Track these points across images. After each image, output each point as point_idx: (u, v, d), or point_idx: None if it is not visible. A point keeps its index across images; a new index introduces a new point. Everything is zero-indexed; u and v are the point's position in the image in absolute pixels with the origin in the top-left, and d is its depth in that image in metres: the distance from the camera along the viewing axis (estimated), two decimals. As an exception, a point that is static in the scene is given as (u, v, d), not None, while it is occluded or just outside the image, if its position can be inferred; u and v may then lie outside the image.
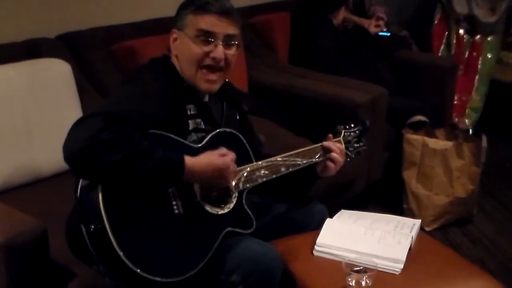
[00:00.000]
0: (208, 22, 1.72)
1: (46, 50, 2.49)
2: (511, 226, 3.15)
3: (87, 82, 2.60)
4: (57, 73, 2.37)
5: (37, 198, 2.12)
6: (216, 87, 1.80)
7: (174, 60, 1.80)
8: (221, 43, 1.74)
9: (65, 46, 2.64)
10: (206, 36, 1.73)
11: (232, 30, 1.76)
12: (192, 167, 1.57)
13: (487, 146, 3.07)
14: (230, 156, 1.66)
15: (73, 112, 2.34)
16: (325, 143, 1.95)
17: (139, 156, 1.47)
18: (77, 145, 1.43)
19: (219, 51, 1.74)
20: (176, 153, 1.57)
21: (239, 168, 1.76)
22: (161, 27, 2.84)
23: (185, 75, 1.78)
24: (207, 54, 1.73)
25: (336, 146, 1.95)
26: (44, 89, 2.30)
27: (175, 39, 1.77)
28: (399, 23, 4.22)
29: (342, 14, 3.57)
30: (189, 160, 1.57)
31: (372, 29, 3.64)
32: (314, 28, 3.40)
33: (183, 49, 1.76)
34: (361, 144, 2.09)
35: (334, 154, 1.93)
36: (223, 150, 1.67)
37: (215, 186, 1.68)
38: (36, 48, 2.49)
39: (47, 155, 2.23)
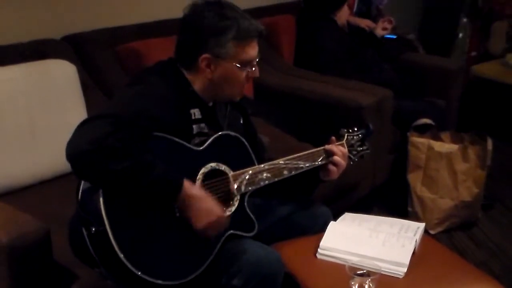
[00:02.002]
0: (253, 49, 1.75)
1: (52, 51, 2.50)
2: (516, 229, 3.14)
3: (92, 83, 2.61)
4: (62, 74, 2.38)
5: (41, 200, 2.13)
6: None
7: (183, 69, 1.78)
8: (255, 62, 1.79)
9: (71, 47, 2.65)
10: (250, 63, 1.76)
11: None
12: (189, 194, 1.56)
13: (493, 150, 3.05)
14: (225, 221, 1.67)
15: (78, 113, 2.35)
16: (328, 146, 1.95)
17: (139, 169, 1.48)
18: (82, 146, 1.44)
19: (257, 71, 1.80)
20: (178, 173, 1.57)
21: (241, 171, 1.76)
22: (166, 28, 2.85)
23: (216, 92, 1.79)
24: (247, 75, 1.78)
25: (338, 149, 1.94)
26: (49, 90, 2.31)
27: (209, 65, 1.73)
28: (406, 27, 4.23)
29: (345, 14, 3.56)
30: (188, 186, 1.57)
31: (379, 32, 3.63)
32: (319, 30, 3.40)
33: (226, 75, 1.75)
34: (365, 147, 2.08)
35: (336, 157, 1.93)
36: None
37: (194, 221, 1.61)
38: (41, 49, 2.49)
39: (52, 156, 2.23)
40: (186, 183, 1.56)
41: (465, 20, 4.69)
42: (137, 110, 1.57)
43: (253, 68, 1.78)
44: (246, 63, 1.75)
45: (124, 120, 1.51)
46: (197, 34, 1.73)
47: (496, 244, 2.98)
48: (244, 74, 1.76)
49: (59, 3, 2.74)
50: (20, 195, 2.17)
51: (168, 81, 1.73)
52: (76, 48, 2.67)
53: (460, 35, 4.72)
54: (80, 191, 1.54)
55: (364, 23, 3.71)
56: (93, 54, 2.71)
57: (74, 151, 1.45)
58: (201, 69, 1.74)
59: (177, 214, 1.59)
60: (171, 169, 1.55)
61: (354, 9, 3.95)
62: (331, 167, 1.94)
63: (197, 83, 1.77)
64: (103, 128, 1.46)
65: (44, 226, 1.63)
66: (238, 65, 1.73)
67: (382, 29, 3.64)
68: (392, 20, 3.65)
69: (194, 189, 1.60)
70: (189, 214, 1.58)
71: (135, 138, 1.50)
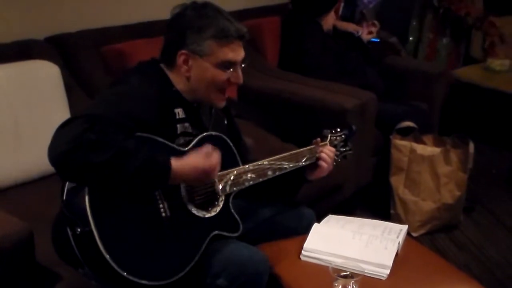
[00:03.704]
0: (232, 50, 1.73)
1: (35, 52, 2.49)
2: (497, 232, 3.17)
3: (76, 84, 2.60)
4: (45, 75, 2.37)
5: (24, 200, 2.11)
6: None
7: (166, 68, 1.78)
8: (239, 66, 1.77)
9: (54, 48, 2.64)
10: (230, 65, 1.75)
11: (243, 51, 1.78)
12: (177, 168, 1.55)
13: (474, 153, 3.08)
14: (216, 156, 1.64)
15: (62, 114, 2.33)
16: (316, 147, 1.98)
17: (124, 156, 1.46)
18: (62, 147, 1.42)
19: (240, 76, 1.78)
20: (163, 154, 1.56)
21: (226, 171, 1.76)
22: (151, 30, 2.85)
23: (197, 94, 1.78)
24: (228, 79, 1.76)
25: (326, 148, 1.99)
26: (33, 91, 2.29)
27: (186, 61, 1.73)
28: (390, 31, 4.25)
29: (331, 19, 3.58)
30: (175, 161, 1.56)
31: (365, 36, 3.65)
32: (303, 32, 3.42)
33: (202, 74, 1.74)
34: (347, 148, 2.11)
35: (323, 155, 1.96)
36: (208, 148, 1.64)
37: (200, 185, 1.69)
38: (25, 49, 2.48)
39: (35, 157, 2.22)
40: (173, 161, 1.55)
41: (414, 23, 4.72)
42: (118, 110, 1.56)
43: (235, 72, 1.76)
44: (224, 65, 1.74)
45: (103, 118, 1.50)
46: (177, 30, 1.74)
47: (477, 247, 3.01)
48: (223, 76, 1.75)
49: (42, 3, 2.73)
50: (3, 195, 2.15)
51: (151, 80, 1.72)
52: (60, 48, 2.66)
53: (411, 38, 4.75)
54: (65, 191, 1.53)
55: (352, 27, 3.74)
56: (77, 55, 2.69)
57: (55, 154, 1.43)
58: (178, 66, 1.74)
59: (163, 215, 1.59)
60: (155, 152, 1.54)
61: (340, 14, 3.98)
62: (321, 163, 1.96)
63: (179, 83, 1.77)
64: (81, 126, 1.44)
65: (27, 226, 1.61)
66: (214, 65, 1.73)
67: (368, 33, 3.66)
68: (376, 23, 3.68)
69: (180, 163, 1.57)
70: (189, 182, 1.64)
71: (114, 130, 1.49)
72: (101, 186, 1.49)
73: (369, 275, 1.75)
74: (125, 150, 1.47)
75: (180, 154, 1.68)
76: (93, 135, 1.43)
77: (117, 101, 1.61)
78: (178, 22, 1.75)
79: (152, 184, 1.55)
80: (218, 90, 1.78)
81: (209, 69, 1.73)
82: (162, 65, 1.79)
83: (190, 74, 1.75)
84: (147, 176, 1.51)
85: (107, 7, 2.99)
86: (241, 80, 1.79)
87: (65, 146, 1.42)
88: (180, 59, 1.73)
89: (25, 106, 2.26)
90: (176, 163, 1.55)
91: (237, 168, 1.80)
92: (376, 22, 3.69)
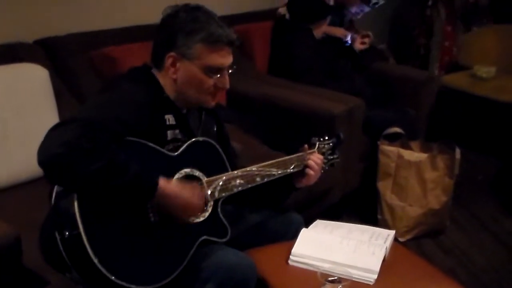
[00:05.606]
0: (221, 56, 1.74)
1: (24, 55, 2.48)
2: (482, 237, 3.20)
3: (65, 88, 2.59)
4: (34, 78, 2.36)
5: (11, 204, 2.10)
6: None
7: (156, 72, 1.79)
8: (226, 72, 1.78)
9: (43, 51, 2.63)
10: (217, 71, 1.75)
11: (232, 56, 1.79)
12: (163, 189, 1.56)
13: (460, 159, 3.11)
14: (200, 197, 1.69)
15: (50, 117, 2.33)
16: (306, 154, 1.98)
17: (114, 169, 1.47)
18: (53, 150, 1.42)
19: (227, 82, 1.79)
20: (152, 172, 1.56)
21: (215, 177, 1.77)
22: (141, 34, 2.84)
23: (185, 96, 1.79)
24: (215, 83, 1.76)
25: (314, 156, 1.99)
26: (21, 94, 2.28)
27: (174, 64, 1.74)
28: (380, 37, 4.29)
29: (324, 27, 3.59)
30: (163, 182, 1.57)
31: (357, 46, 3.67)
32: (294, 38, 3.43)
33: (189, 77, 1.75)
34: (335, 156, 2.12)
35: (311, 162, 1.97)
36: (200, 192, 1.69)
37: (175, 217, 1.64)
38: (13, 52, 2.47)
39: (23, 160, 2.20)
40: (162, 181, 1.56)
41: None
42: (109, 115, 1.56)
43: (222, 77, 1.77)
44: (211, 69, 1.74)
45: (95, 123, 1.50)
46: (168, 32, 1.74)
47: (463, 251, 3.04)
48: (211, 81, 1.75)
49: (31, 6, 2.72)
50: (-10, 199, 2.14)
51: (142, 86, 1.72)
52: (48, 52, 2.65)
53: None
54: (54, 194, 1.52)
55: (339, 32, 3.75)
56: (66, 58, 2.69)
57: (45, 155, 1.43)
58: (166, 68, 1.75)
59: (152, 219, 1.59)
60: (145, 169, 1.54)
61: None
62: (309, 171, 1.97)
63: (168, 86, 1.77)
64: (74, 131, 1.44)
65: (14, 230, 1.61)
66: (202, 69, 1.73)
67: (361, 44, 3.68)
68: (370, 35, 3.70)
69: (169, 187, 1.59)
70: (168, 211, 1.60)
71: (107, 140, 1.49)
72: (87, 194, 1.48)
73: (356, 280, 1.76)
74: (115, 163, 1.47)
75: (170, 159, 1.68)
76: (86, 142, 1.43)
77: (109, 107, 1.60)
78: (169, 24, 1.75)
79: (137, 199, 1.55)
80: (206, 93, 1.79)
81: (197, 73, 1.74)
82: (153, 70, 1.79)
83: (177, 76, 1.75)
84: (133, 191, 1.51)
85: (97, 11, 2.99)
86: (227, 86, 1.80)
87: (56, 149, 1.41)
88: (168, 61, 1.74)
89: (13, 109, 2.25)
90: (163, 184, 1.56)
91: (226, 173, 1.80)
92: (369, 33, 3.71)
